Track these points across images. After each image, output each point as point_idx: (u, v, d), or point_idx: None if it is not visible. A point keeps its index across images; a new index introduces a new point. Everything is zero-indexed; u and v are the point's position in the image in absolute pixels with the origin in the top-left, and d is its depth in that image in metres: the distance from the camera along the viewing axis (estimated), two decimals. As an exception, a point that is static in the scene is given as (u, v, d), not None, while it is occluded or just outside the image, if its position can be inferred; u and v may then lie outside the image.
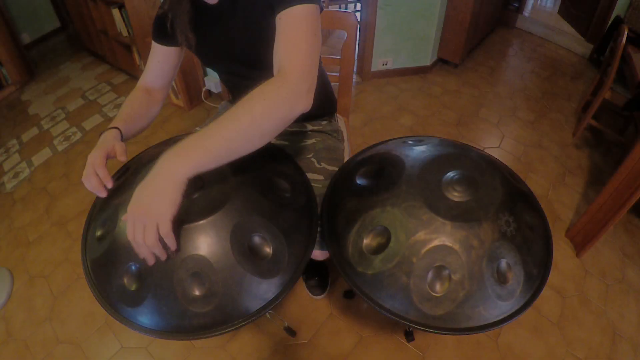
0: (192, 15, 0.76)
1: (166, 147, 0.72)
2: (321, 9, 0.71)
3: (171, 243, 0.56)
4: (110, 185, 0.67)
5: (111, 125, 0.75)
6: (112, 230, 0.64)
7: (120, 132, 0.74)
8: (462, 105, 2.41)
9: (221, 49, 0.82)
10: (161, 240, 0.55)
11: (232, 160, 0.57)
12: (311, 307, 1.39)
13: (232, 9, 0.75)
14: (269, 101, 0.57)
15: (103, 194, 0.67)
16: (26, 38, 3.34)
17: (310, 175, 0.87)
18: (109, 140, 0.70)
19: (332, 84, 1.11)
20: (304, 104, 0.61)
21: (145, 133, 1.45)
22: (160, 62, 0.86)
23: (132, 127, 0.80)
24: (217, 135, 0.55)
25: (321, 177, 0.94)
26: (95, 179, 0.65)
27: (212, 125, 0.55)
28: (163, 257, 0.57)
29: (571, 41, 3.10)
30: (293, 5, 0.64)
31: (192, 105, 2.43)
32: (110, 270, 0.62)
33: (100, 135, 0.73)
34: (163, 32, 0.81)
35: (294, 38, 0.64)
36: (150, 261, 0.57)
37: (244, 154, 0.58)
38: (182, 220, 0.59)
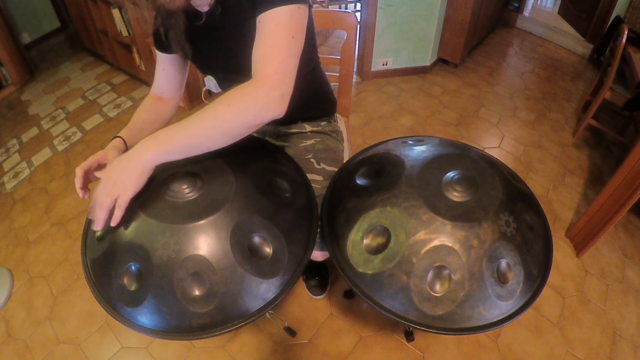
0: (186, 26, 0.76)
1: None
2: (310, 6, 0.69)
3: (117, 216, 0.60)
4: (78, 186, 0.70)
5: (119, 134, 0.79)
6: (112, 230, 0.64)
7: (124, 141, 0.78)
8: (462, 105, 2.41)
9: (215, 57, 0.82)
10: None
11: (199, 153, 0.62)
12: (311, 307, 1.39)
13: (222, 16, 0.75)
14: (232, 107, 0.60)
15: (79, 194, 0.70)
16: (26, 38, 3.34)
17: (309, 176, 0.87)
18: (108, 149, 0.74)
19: (332, 84, 1.11)
20: (275, 110, 0.62)
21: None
22: (165, 69, 0.88)
23: (140, 133, 0.83)
24: (183, 132, 0.60)
25: (320, 178, 0.93)
26: (80, 180, 0.70)
27: (183, 121, 0.60)
28: (101, 223, 0.61)
29: (571, 41, 3.10)
30: (272, 8, 0.63)
31: (192, 105, 2.43)
32: (110, 270, 0.62)
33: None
34: (162, 42, 0.82)
35: (269, 43, 0.63)
36: (94, 223, 0.62)
37: (208, 150, 0.62)
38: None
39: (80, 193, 0.70)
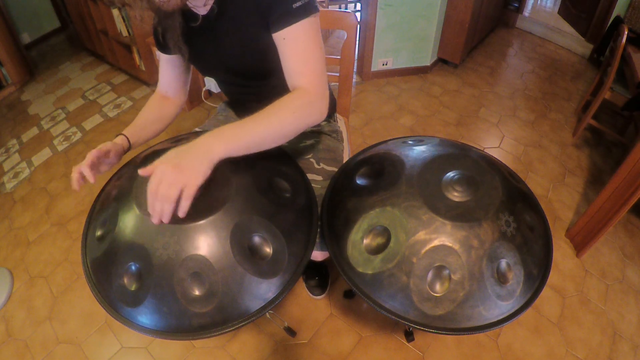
0: (184, 27, 0.76)
1: (166, 146, 0.72)
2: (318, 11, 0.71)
3: (185, 207, 0.57)
4: (91, 178, 0.68)
5: (123, 131, 0.80)
6: (112, 230, 0.64)
7: (127, 139, 0.79)
8: (462, 105, 2.41)
9: (213, 59, 0.83)
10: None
11: (256, 152, 0.64)
12: (311, 307, 1.39)
13: (220, 20, 0.75)
14: (296, 114, 0.65)
15: (75, 186, 0.68)
16: (26, 38, 3.33)
17: (309, 176, 0.87)
18: (107, 144, 0.75)
19: (332, 84, 1.11)
20: (323, 117, 0.69)
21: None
22: (167, 69, 0.89)
23: (145, 131, 0.85)
24: (251, 131, 0.62)
25: (320, 178, 0.94)
26: (76, 174, 0.68)
27: (248, 120, 0.63)
28: (168, 217, 0.57)
29: (571, 41, 3.10)
30: (294, 23, 0.66)
31: (192, 105, 2.43)
32: (110, 270, 0.62)
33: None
34: (161, 42, 0.82)
35: (305, 57, 0.68)
36: (156, 218, 0.57)
37: (263, 149, 0.65)
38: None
39: (76, 185, 0.68)
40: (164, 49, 0.83)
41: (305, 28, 0.67)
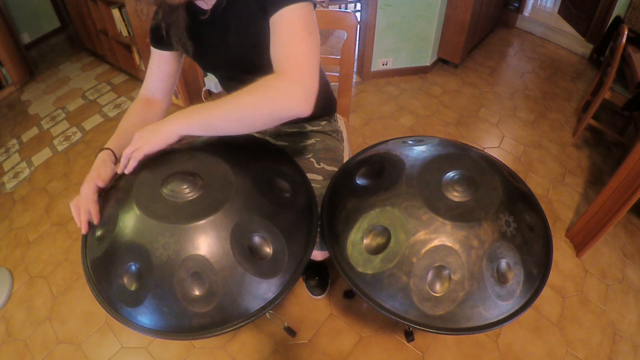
0: (187, 22, 0.76)
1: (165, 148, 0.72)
2: (314, 5, 0.70)
3: (131, 165, 0.66)
4: (97, 221, 0.67)
5: (105, 145, 0.76)
6: (112, 230, 0.63)
7: (113, 153, 0.75)
8: (462, 105, 2.41)
9: (218, 54, 0.82)
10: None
11: (220, 134, 0.67)
12: (311, 307, 1.39)
13: (226, 15, 0.75)
14: (253, 96, 0.62)
15: (84, 230, 0.68)
16: (26, 38, 3.34)
17: (309, 176, 0.87)
18: (98, 166, 0.72)
19: (332, 84, 1.11)
20: (299, 107, 0.61)
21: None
22: (160, 66, 0.86)
23: (128, 140, 0.77)
24: (212, 111, 0.64)
25: (320, 178, 0.93)
26: (85, 215, 0.67)
27: (217, 101, 0.63)
28: (128, 170, 0.67)
29: (571, 41, 3.10)
30: (283, 7, 0.64)
31: (192, 105, 2.42)
32: (110, 270, 0.62)
33: (96, 155, 0.75)
34: (160, 38, 0.80)
35: (287, 40, 0.64)
36: (119, 168, 0.69)
37: (226, 133, 0.66)
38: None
39: (84, 228, 0.68)
40: (163, 45, 0.82)
41: (294, 13, 0.64)
